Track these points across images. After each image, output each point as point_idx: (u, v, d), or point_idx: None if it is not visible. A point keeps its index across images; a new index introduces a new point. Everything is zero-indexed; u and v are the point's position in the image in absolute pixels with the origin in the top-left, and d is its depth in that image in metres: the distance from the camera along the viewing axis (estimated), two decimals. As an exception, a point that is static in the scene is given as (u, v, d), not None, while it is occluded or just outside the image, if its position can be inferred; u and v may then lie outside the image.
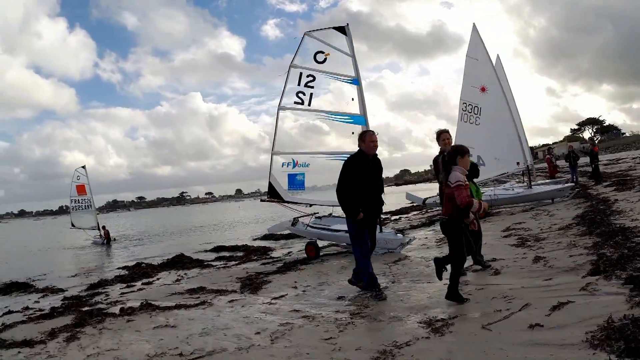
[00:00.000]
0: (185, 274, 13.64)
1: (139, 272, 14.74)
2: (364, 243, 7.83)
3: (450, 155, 6.73)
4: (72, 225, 32.19)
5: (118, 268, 16.71)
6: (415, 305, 6.86)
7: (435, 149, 9.60)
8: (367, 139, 7.73)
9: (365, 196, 7.64)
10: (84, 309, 9.36)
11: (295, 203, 14.18)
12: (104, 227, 31.01)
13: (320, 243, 14.07)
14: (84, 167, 31.88)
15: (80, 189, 31.64)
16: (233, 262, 15.34)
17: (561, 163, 36.32)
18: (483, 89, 19.40)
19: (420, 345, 5.10)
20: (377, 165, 7.91)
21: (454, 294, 6.56)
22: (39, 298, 12.26)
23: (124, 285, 12.60)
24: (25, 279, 15.84)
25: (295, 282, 10.08)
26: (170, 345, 6.16)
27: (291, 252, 16.53)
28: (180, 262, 16.24)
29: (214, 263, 15.74)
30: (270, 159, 14.24)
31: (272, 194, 14.20)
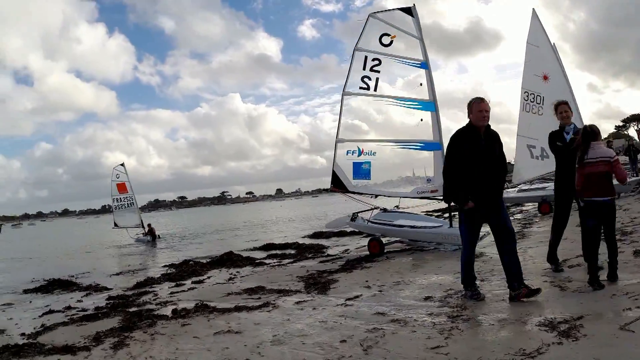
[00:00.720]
0: (237, 272, 12.71)
1: (188, 270, 13.90)
2: (472, 239, 6.63)
3: (592, 133, 6.18)
4: (115, 225, 31.42)
5: (164, 266, 15.97)
6: (522, 306, 5.84)
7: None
8: (475, 108, 6.22)
9: (478, 179, 6.21)
10: (131, 310, 8.52)
11: (360, 194, 13.15)
12: (149, 225, 29.85)
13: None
14: (122, 164, 31.36)
15: (121, 187, 31.07)
16: (287, 260, 14.37)
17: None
18: (545, 78, 17.92)
19: (557, 353, 4.16)
20: (492, 139, 6.37)
21: (596, 279, 6.00)
22: (82, 297, 11.50)
23: (173, 284, 11.73)
24: (68, 276, 15.21)
25: (367, 281, 9.05)
26: (239, 355, 5.15)
27: (348, 249, 15.53)
28: (230, 259, 15.36)
29: (266, 261, 14.79)
30: (334, 146, 13.24)
31: (336, 184, 13.19)
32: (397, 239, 13.47)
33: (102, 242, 32.59)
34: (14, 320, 9.13)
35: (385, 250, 12.67)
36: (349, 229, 22.30)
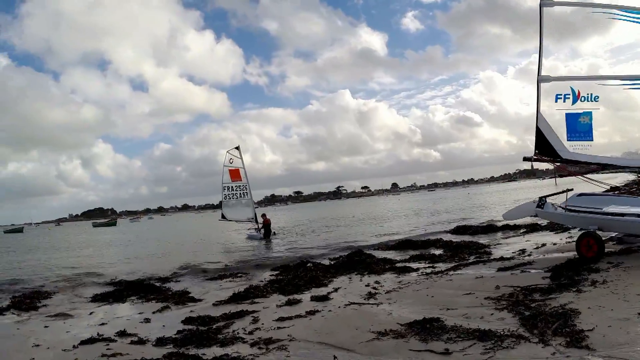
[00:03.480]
0: (377, 283, 8.88)
1: (305, 276, 10.29)
2: None
3: None
4: (223, 217, 26.72)
5: (274, 269, 12.45)
6: None
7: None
8: None
9: None
10: (206, 357, 4.85)
11: (578, 163, 8.73)
12: (263, 215, 25.56)
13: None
14: (237, 147, 26.66)
15: (234, 174, 26.36)
16: (443, 265, 10.54)
17: None
18: None
19: None
20: None
21: None
22: (154, 311, 8.40)
23: (284, 299, 8.12)
24: (156, 278, 12.53)
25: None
26: None
27: (524, 249, 11.34)
28: (361, 262, 11.72)
29: (412, 265, 10.92)
30: (536, 87, 8.79)
31: (543, 149, 8.73)
32: (615, 233, 9.14)
33: (212, 238, 29.46)
34: (37, 350, 6.24)
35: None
36: (500, 222, 18.43)
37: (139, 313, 8.35)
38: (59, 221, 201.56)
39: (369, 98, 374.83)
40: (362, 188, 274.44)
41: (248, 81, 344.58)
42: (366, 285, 8.63)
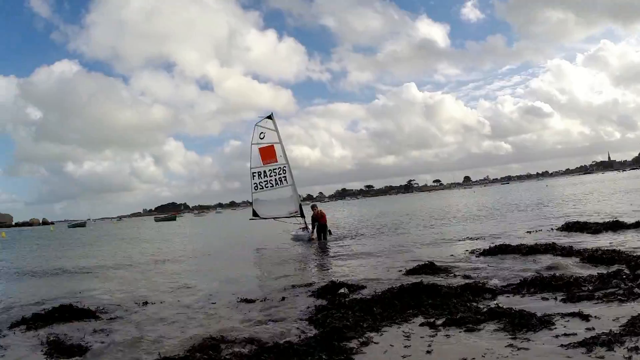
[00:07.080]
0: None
1: (322, 320, 5.28)
2: None
3: None
4: (255, 214, 20.13)
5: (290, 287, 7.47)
6: None
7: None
8: None
9: None
10: None
11: None
12: (314, 207, 17.91)
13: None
14: (270, 117, 19.15)
15: (267, 154, 18.99)
16: (602, 311, 5.25)
17: None
18: None
19: None
20: None
21: None
22: None
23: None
24: (99, 305, 8.02)
25: None
26: None
27: None
28: (431, 290, 6.61)
29: (530, 303, 5.79)
30: None
31: None
32: None
33: (253, 238, 23.43)
34: None
35: None
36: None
37: None
38: (120, 217, 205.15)
39: (436, 90, 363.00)
40: (434, 182, 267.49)
41: (311, 78, 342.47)
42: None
